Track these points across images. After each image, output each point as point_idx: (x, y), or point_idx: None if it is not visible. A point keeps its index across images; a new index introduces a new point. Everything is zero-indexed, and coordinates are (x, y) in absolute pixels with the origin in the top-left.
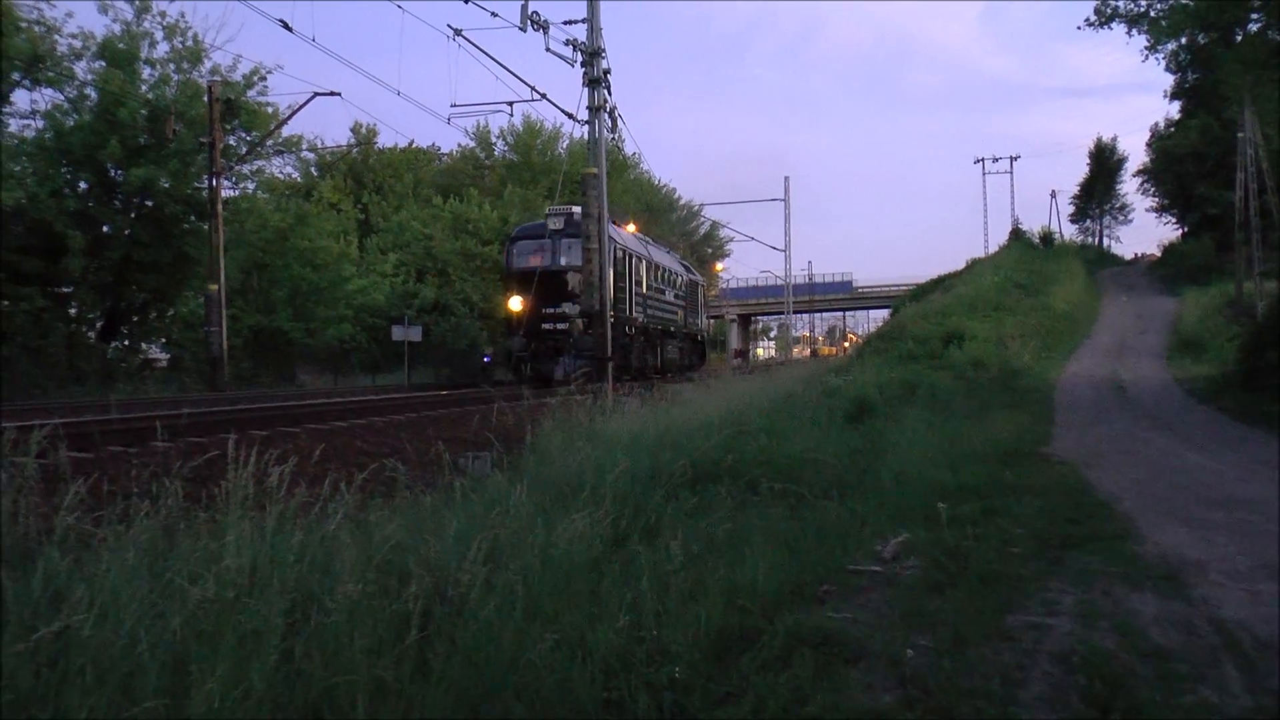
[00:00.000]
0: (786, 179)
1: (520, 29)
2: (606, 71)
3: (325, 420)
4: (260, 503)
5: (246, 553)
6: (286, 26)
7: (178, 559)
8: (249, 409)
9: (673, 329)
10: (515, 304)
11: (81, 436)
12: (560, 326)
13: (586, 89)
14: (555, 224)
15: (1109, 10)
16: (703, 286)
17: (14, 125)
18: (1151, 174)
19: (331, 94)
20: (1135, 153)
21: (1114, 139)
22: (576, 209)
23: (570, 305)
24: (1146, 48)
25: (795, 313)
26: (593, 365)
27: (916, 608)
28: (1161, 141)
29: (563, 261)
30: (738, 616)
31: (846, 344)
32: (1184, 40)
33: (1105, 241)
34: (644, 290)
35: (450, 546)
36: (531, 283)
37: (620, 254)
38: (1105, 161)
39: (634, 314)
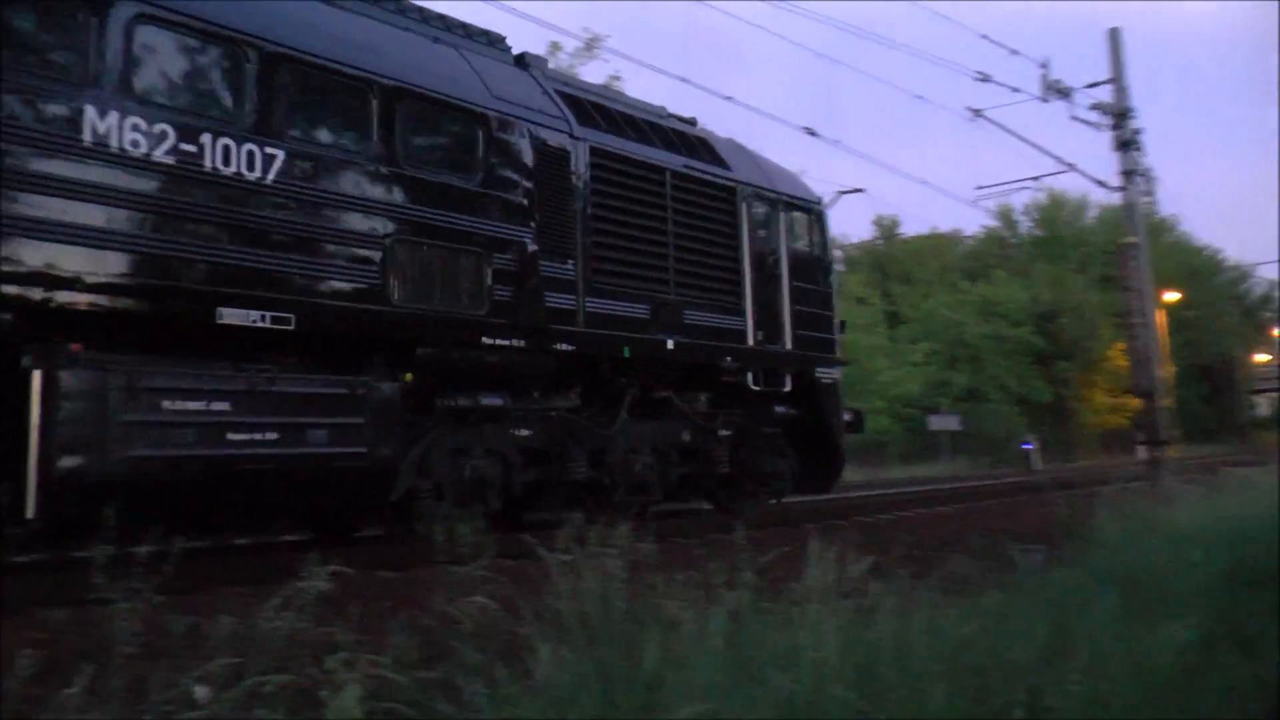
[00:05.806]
0: None
1: (1041, 100)
2: (1137, 132)
3: (869, 512)
4: (823, 594)
5: (825, 646)
6: (812, 133)
7: (752, 647)
8: (799, 502)
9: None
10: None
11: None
12: None
13: (1117, 153)
14: None
15: None
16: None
17: None
18: None
19: (855, 190)
20: None
21: None
22: None
23: None
24: None
25: None
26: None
27: None
28: None
29: None
30: None
31: None
32: None
33: None
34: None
35: (1038, 652)
36: None
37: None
38: None
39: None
